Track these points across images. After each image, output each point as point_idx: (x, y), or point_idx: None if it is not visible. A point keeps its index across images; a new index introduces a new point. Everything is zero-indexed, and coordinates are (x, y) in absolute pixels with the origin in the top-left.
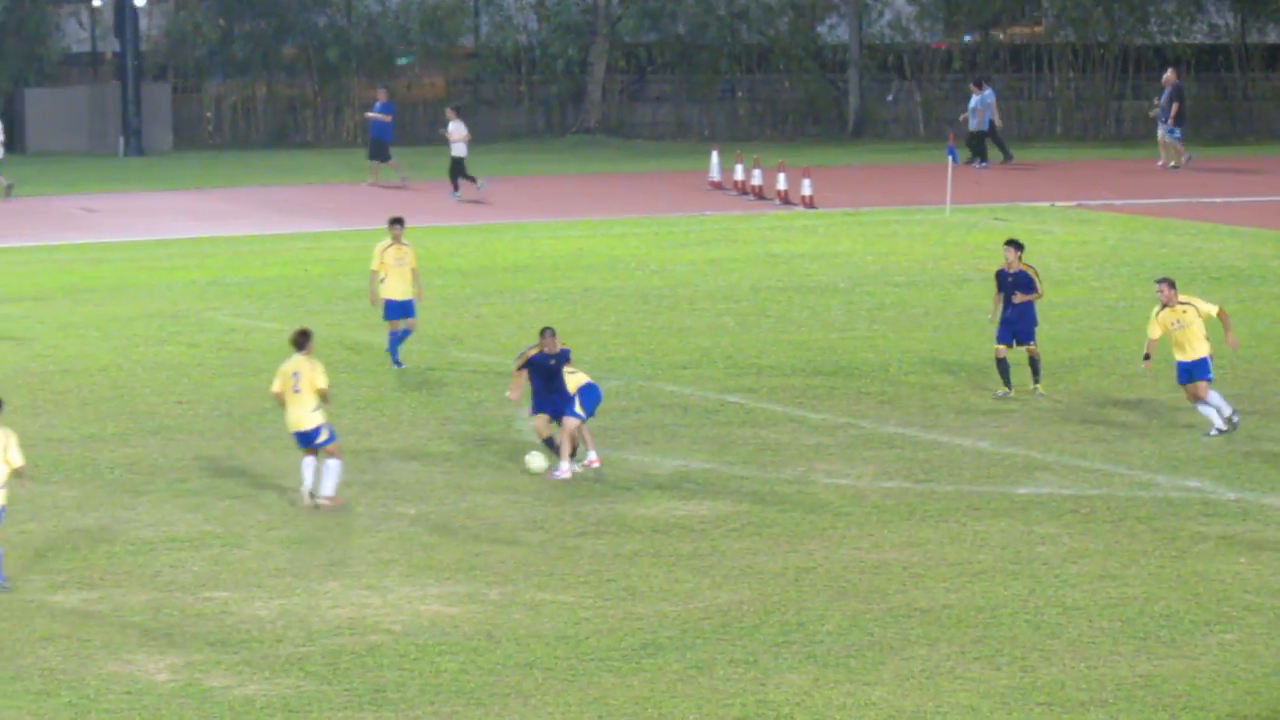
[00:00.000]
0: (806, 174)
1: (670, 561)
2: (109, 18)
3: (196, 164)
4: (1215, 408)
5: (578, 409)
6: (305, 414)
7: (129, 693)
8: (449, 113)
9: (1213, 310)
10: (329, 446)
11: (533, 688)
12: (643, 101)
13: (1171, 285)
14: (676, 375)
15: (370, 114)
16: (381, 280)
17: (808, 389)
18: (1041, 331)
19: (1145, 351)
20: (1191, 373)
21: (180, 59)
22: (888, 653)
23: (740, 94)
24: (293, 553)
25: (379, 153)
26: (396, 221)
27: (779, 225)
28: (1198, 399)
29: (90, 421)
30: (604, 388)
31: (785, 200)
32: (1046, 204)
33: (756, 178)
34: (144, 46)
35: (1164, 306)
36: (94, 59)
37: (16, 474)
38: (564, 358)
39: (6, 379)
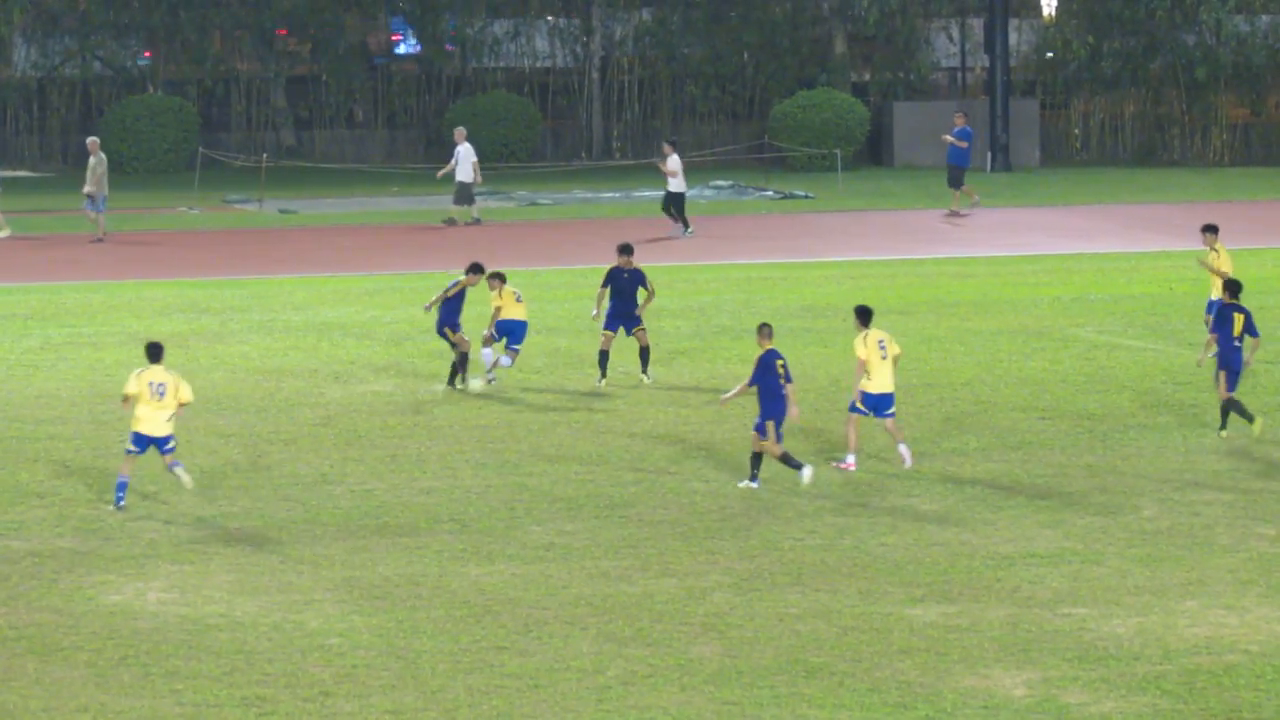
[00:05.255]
0: None
1: None
2: (979, 33)
3: (1062, 180)
4: None
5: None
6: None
7: (985, 707)
8: (666, 147)
9: None
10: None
11: None
12: None
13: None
14: None
15: (947, 138)
16: None
17: None
18: None
19: None
20: None
21: (1049, 75)
22: None
23: None
24: (1151, 571)
25: (955, 178)
26: (1207, 229)
27: None
28: None
29: (952, 435)
30: None
31: None
32: None
33: None
34: (1013, 62)
35: None
36: (963, 74)
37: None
38: None
39: None
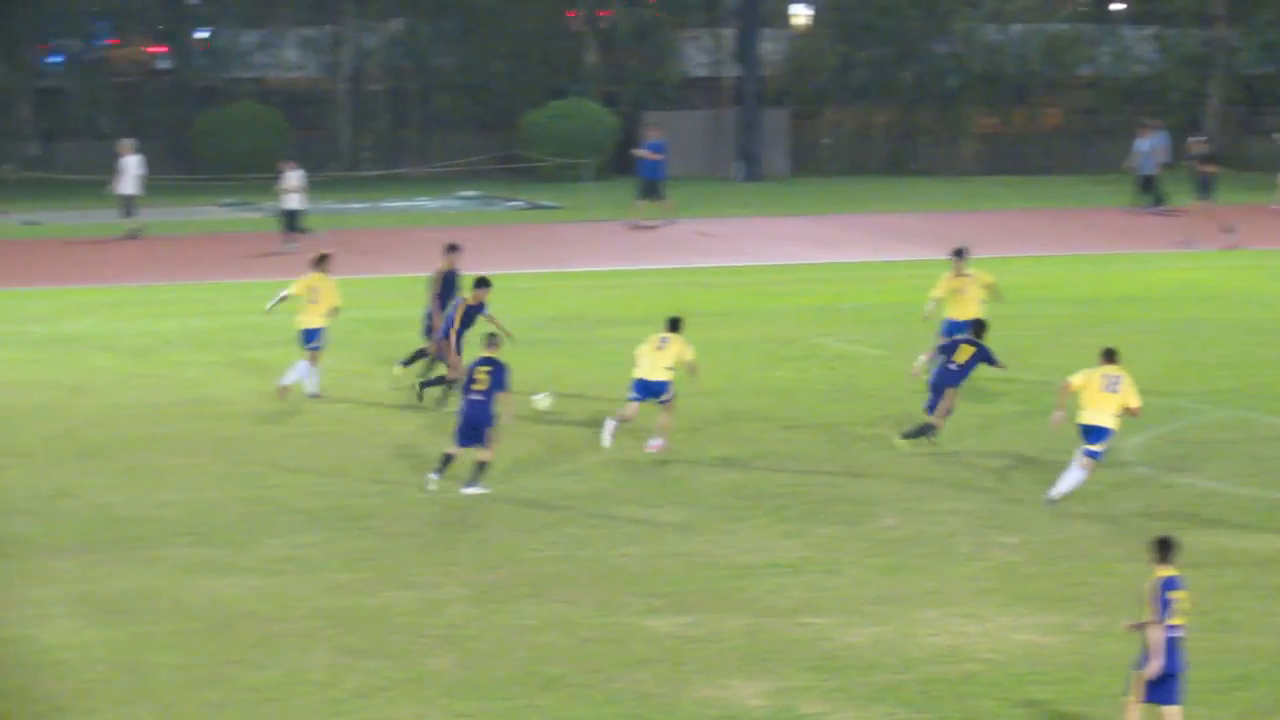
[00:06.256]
0: None
1: (1265, 595)
2: (731, 43)
3: (813, 190)
4: None
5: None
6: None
7: (722, 717)
8: (285, 165)
9: None
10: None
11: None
12: (1255, 134)
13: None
14: None
15: (638, 151)
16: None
17: None
18: None
19: None
20: None
21: (800, 85)
22: None
23: None
24: (891, 580)
25: (648, 191)
26: (957, 253)
27: None
28: None
29: (694, 446)
30: (1206, 418)
31: None
32: None
33: None
34: (764, 72)
35: None
36: (713, 83)
37: None
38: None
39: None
